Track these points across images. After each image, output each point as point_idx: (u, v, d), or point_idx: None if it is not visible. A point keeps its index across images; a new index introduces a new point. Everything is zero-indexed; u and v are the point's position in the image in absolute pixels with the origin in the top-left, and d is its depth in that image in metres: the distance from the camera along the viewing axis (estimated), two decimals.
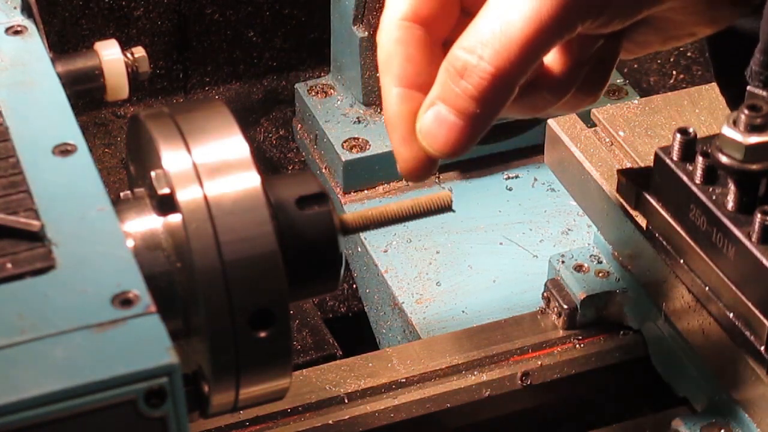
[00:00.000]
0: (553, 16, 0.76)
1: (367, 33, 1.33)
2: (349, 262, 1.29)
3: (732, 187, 0.84)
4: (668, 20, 0.83)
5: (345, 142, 1.32)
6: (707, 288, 0.89)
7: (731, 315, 0.87)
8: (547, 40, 0.77)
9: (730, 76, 0.88)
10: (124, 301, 0.66)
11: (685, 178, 0.88)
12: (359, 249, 1.27)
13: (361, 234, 1.24)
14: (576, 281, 1.05)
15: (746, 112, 0.80)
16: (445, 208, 0.82)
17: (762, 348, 0.85)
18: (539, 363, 1.05)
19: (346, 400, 1.02)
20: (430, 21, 0.80)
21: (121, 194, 0.77)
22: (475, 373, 1.05)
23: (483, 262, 1.23)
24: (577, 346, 1.06)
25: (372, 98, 1.36)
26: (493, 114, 0.79)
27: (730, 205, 0.85)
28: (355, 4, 1.32)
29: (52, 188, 0.73)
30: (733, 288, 0.86)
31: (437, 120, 0.78)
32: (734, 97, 0.89)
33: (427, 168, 0.81)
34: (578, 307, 1.05)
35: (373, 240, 1.25)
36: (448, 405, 1.04)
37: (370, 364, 1.05)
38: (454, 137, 0.78)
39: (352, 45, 1.35)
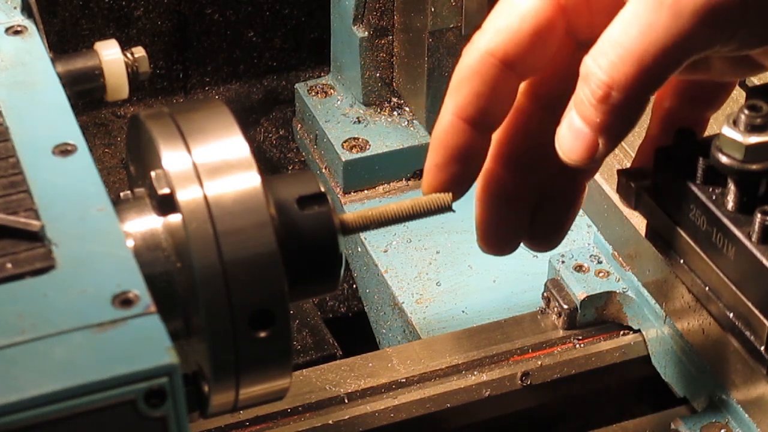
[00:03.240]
0: (673, 32, 0.74)
1: (367, 33, 1.33)
2: (349, 262, 1.29)
3: (732, 187, 0.84)
4: None
5: (345, 142, 1.32)
6: (707, 288, 0.89)
7: (731, 315, 0.87)
8: (667, 57, 0.75)
9: None
10: (124, 301, 0.66)
11: (685, 179, 0.88)
12: (359, 249, 1.27)
13: (361, 234, 1.24)
14: (576, 281, 1.05)
15: (746, 112, 0.80)
16: (445, 208, 0.82)
17: (762, 348, 0.85)
18: (539, 363, 1.05)
19: (346, 400, 1.02)
20: (518, 63, 0.78)
21: (121, 194, 0.77)
22: (475, 373, 1.05)
23: (483, 262, 1.23)
24: (577, 346, 1.07)
25: (372, 98, 1.36)
26: (624, 127, 0.78)
27: (730, 205, 0.85)
28: (355, 4, 1.32)
29: (52, 188, 0.73)
30: (733, 288, 0.86)
31: (571, 129, 0.78)
32: None
33: (454, 194, 0.81)
34: (578, 307, 1.05)
35: (373, 240, 1.25)
36: (448, 405, 1.04)
37: (370, 364, 1.05)
38: (582, 146, 0.78)
39: (352, 45, 1.35)
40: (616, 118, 0.77)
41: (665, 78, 0.76)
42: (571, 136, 0.78)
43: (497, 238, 0.84)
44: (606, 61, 0.75)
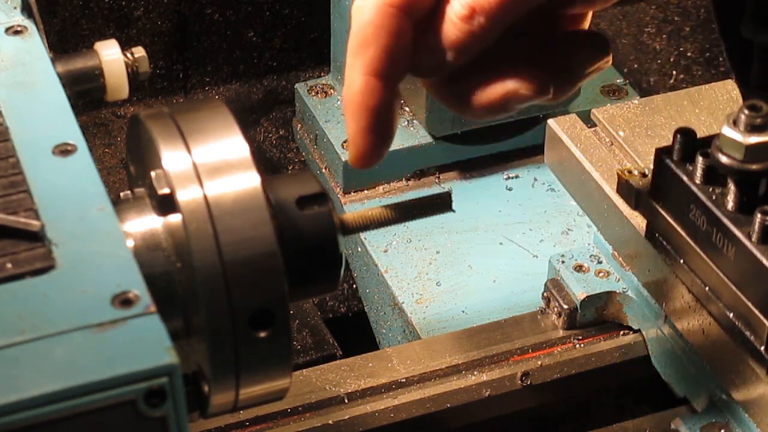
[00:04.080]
0: None
1: None
2: (349, 262, 1.29)
3: (732, 187, 0.84)
4: None
5: (345, 142, 1.31)
6: (707, 288, 0.89)
7: (731, 315, 0.87)
8: None
9: (733, 33, 0.86)
10: (124, 301, 0.66)
11: (685, 178, 0.88)
12: (359, 249, 1.27)
13: (361, 234, 1.24)
14: (576, 281, 1.05)
15: (746, 112, 0.80)
16: (445, 208, 0.82)
17: (762, 348, 0.85)
18: (539, 363, 1.05)
19: (346, 400, 1.02)
20: (412, 7, 0.78)
21: (121, 194, 0.77)
22: (475, 373, 1.05)
23: (483, 262, 1.23)
24: (577, 346, 1.07)
25: None
26: (472, 45, 0.77)
27: (730, 205, 0.85)
28: None
29: (52, 188, 0.73)
30: (733, 288, 0.86)
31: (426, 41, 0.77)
32: (737, 55, 0.87)
33: (379, 157, 0.80)
34: (578, 307, 1.05)
35: (373, 240, 1.25)
36: (448, 405, 1.04)
37: (370, 364, 1.05)
38: (432, 58, 0.77)
39: None
40: (472, 38, 0.77)
41: (529, 7, 0.76)
42: (427, 49, 0.77)
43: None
44: None
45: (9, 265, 0.68)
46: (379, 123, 0.78)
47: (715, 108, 1.04)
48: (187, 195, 0.71)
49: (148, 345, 0.65)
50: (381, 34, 0.77)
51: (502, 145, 1.34)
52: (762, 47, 0.83)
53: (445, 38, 0.76)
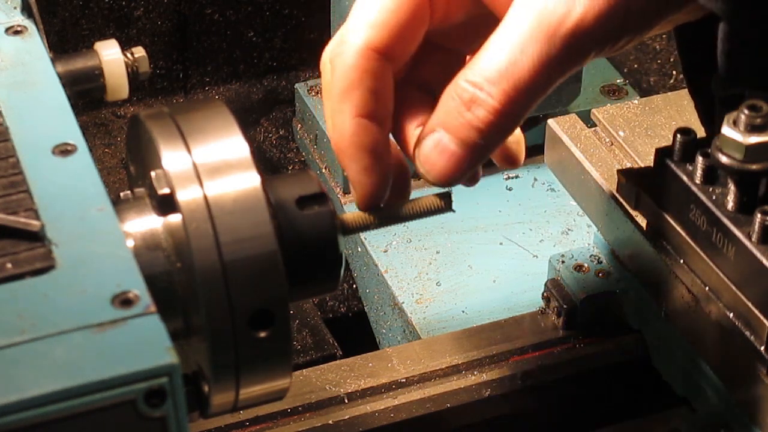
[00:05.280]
0: (562, 56, 0.76)
1: None
2: (349, 262, 1.29)
3: (732, 187, 0.84)
4: None
5: None
6: (707, 288, 0.89)
7: (731, 315, 0.87)
8: (557, 76, 0.77)
9: (701, 84, 0.88)
10: (124, 301, 0.66)
11: (685, 178, 0.88)
12: (359, 249, 1.27)
13: (361, 234, 1.24)
14: (576, 281, 1.05)
15: (746, 112, 0.80)
16: (445, 208, 0.82)
17: (762, 348, 0.85)
18: (539, 363, 1.05)
19: (346, 400, 1.02)
20: (392, 52, 0.79)
21: (121, 194, 0.77)
22: (475, 373, 1.05)
23: (483, 262, 1.23)
24: (577, 346, 1.06)
25: None
26: (493, 146, 0.80)
27: (730, 205, 0.85)
28: None
29: (52, 188, 0.73)
30: (733, 288, 0.86)
31: (438, 147, 0.78)
32: (704, 104, 0.89)
33: (384, 195, 0.81)
34: (578, 307, 1.05)
35: (373, 240, 1.25)
36: (448, 405, 1.04)
37: (370, 364, 1.05)
38: (453, 166, 0.79)
39: None
40: (500, 138, 0.79)
41: (545, 92, 0.78)
42: (443, 156, 0.78)
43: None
44: (497, 90, 0.76)
45: (9, 265, 0.68)
46: (379, 161, 0.80)
47: None
48: (187, 195, 0.71)
49: (148, 345, 0.65)
50: (366, 77, 0.79)
51: None
52: (724, 102, 0.84)
53: (461, 139, 0.78)
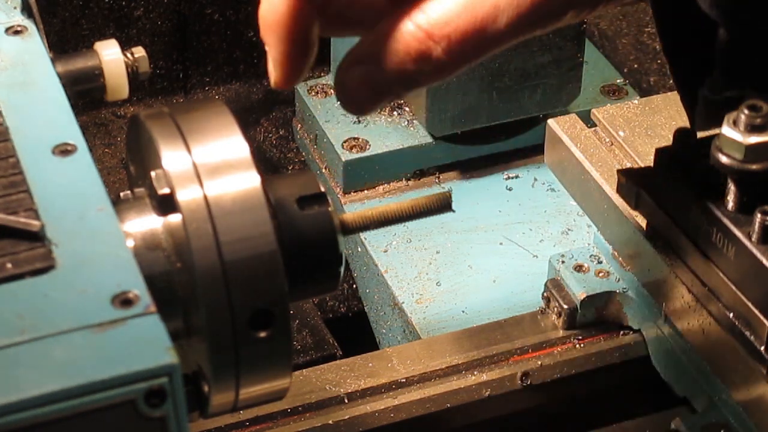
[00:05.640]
0: (532, 16, 0.74)
1: None
2: (349, 262, 1.29)
3: (732, 187, 0.84)
4: None
5: (345, 142, 1.32)
6: (707, 288, 0.89)
7: (731, 315, 0.87)
8: (523, 37, 0.75)
9: (690, 88, 0.87)
10: (124, 301, 0.66)
11: (685, 179, 0.88)
12: (359, 249, 1.27)
13: (361, 234, 1.24)
14: (576, 281, 1.05)
15: (746, 112, 0.80)
16: (445, 208, 0.82)
17: (762, 348, 0.85)
18: (539, 363, 1.05)
19: (346, 400, 1.02)
20: None
21: (121, 194, 0.77)
22: (475, 373, 1.05)
23: (483, 262, 1.23)
24: (577, 346, 1.07)
25: None
26: (427, 80, 0.77)
27: (730, 205, 0.85)
28: None
29: (52, 188, 0.73)
30: (733, 288, 0.86)
31: (367, 82, 0.76)
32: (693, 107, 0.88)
33: (302, 76, 0.78)
34: (578, 307, 1.05)
35: (373, 240, 1.25)
36: (448, 405, 1.04)
37: (370, 364, 1.05)
38: (374, 102, 0.77)
39: (352, 45, 1.35)
40: (431, 83, 0.76)
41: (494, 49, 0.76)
42: (367, 90, 0.76)
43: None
44: (457, 49, 0.74)
45: (9, 265, 0.68)
46: (306, 45, 0.76)
47: None
48: (187, 195, 0.71)
49: (148, 345, 0.65)
50: None
51: (502, 145, 1.34)
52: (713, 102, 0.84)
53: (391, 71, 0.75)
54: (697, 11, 0.78)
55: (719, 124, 0.82)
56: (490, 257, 1.23)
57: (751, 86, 0.81)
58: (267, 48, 0.76)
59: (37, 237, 0.70)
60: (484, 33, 0.74)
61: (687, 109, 0.88)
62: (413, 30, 0.74)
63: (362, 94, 0.77)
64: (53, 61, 0.85)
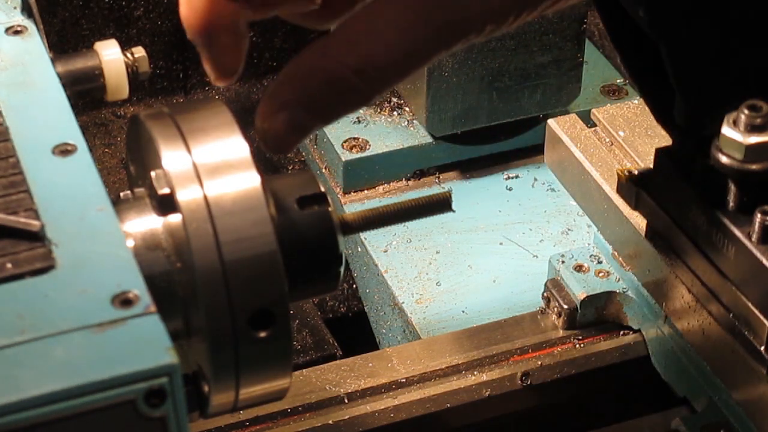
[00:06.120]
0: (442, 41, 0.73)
1: None
2: (349, 262, 1.29)
3: (732, 187, 0.84)
4: None
5: (345, 142, 1.31)
6: (707, 288, 0.89)
7: (731, 315, 0.87)
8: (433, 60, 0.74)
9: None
10: (124, 301, 0.66)
11: (685, 178, 0.88)
12: (359, 249, 1.27)
13: (361, 234, 1.24)
14: (576, 281, 1.05)
15: (746, 112, 0.80)
16: (445, 208, 0.82)
17: (762, 348, 0.85)
18: (539, 363, 1.05)
19: (346, 400, 1.02)
20: None
21: (121, 194, 0.77)
22: (475, 373, 1.05)
23: (483, 262, 1.23)
24: (577, 346, 1.07)
25: None
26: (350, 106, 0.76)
27: (730, 205, 0.85)
28: None
29: (52, 188, 0.73)
30: (733, 288, 0.86)
31: (292, 125, 0.74)
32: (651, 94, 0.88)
33: (239, 69, 0.77)
34: (578, 307, 1.05)
35: (373, 240, 1.25)
36: (448, 405, 1.04)
37: (370, 364, 1.05)
38: (299, 139, 0.75)
39: None
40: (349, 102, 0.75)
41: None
42: (295, 132, 0.74)
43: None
44: (375, 78, 0.73)
45: (9, 265, 0.68)
46: (235, 38, 0.75)
47: None
48: (187, 195, 0.71)
49: (148, 345, 0.65)
50: None
51: (502, 145, 1.34)
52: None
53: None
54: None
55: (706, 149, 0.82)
56: (490, 257, 1.23)
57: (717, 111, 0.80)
58: (197, 48, 0.75)
59: (37, 237, 0.70)
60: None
61: (664, 128, 0.89)
62: (339, 70, 0.73)
63: (291, 139, 0.75)
64: (53, 61, 0.85)
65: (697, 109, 0.82)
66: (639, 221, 0.97)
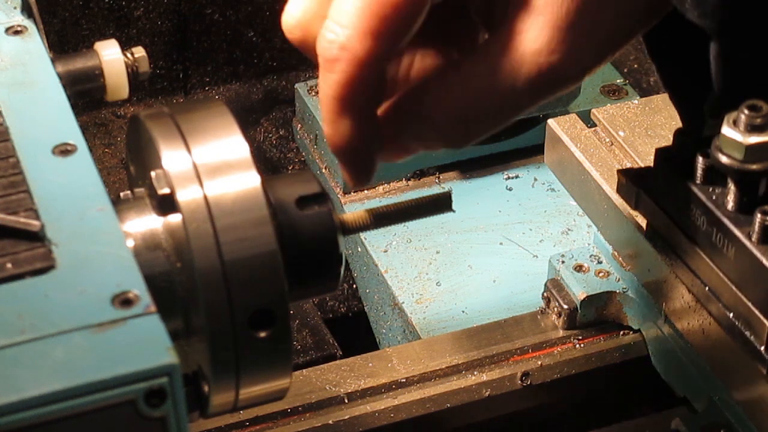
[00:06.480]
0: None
1: None
2: (349, 262, 1.29)
3: (732, 187, 0.84)
4: None
5: None
6: (707, 288, 0.89)
7: (731, 315, 0.87)
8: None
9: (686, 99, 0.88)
10: (124, 301, 0.66)
11: (685, 179, 0.88)
12: (359, 249, 1.27)
13: (361, 234, 1.24)
14: (576, 281, 1.05)
15: (746, 112, 0.80)
16: (445, 208, 0.82)
17: (762, 348, 0.85)
18: (539, 363, 1.05)
19: (346, 400, 1.02)
20: (395, 50, 0.75)
21: (121, 194, 0.77)
22: (475, 373, 1.05)
23: (483, 262, 1.23)
24: (577, 346, 1.07)
25: None
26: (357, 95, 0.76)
27: (730, 205, 0.85)
28: None
29: (52, 188, 0.73)
30: (733, 288, 0.86)
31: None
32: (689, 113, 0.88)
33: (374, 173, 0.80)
34: (578, 307, 1.05)
35: (373, 240, 1.25)
36: (448, 405, 1.04)
37: (370, 364, 1.05)
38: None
39: None
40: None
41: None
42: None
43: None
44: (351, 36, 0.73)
45: (9, 265, 0.68)
46: (371, 165, 0.78)
47: None
48: (187, 195, 0.71)
49: (148, 345, 0.65)
50: (367, 87, 0.75)
51: (502, 145, 1.34)
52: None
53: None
54: (683, 21, 0.78)
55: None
56: (490, 257, 1.23)
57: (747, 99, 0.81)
58: (339, 162, 0.78)
59: (37, 237, 0.70)
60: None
61: (683, 119, 0.89)
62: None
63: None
64: (53, 61, 0.85)
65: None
66: (639, 221, 0.97)
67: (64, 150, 0.76)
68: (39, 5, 0.90)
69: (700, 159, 0.86)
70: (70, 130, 0.78)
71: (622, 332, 1.07)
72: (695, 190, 0.87)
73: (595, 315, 1.06)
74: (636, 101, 1.08)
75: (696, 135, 0.86)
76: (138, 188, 0.77)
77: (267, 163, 1.49)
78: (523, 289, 1.18)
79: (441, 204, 0.82)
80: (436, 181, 1.32)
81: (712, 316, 0.90)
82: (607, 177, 1.02)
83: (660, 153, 0.91)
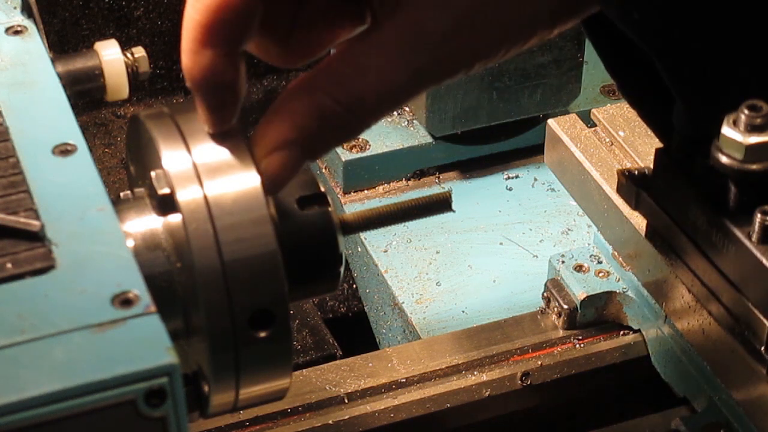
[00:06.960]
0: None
1: None
2: (349, 262, 1.29)
3: (732, 187, 0.84)
4: None
5: None
6: (707, 288, 0.89)
7: (731, 315, 0.87)
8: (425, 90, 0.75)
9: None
10: (124, 301, 0.66)
11: (685, 178, 0.88)
12: (359, 249, 1.27)
13: (361, 234, 1.24)
14: (576, 281, 1.05)
15: (746, 112, 0.80)
16: (445, 207, 0.82)
17: (762, 348, 0.85)
18: (539, 363, 1.05)
19: (346, 400, 1.02)
20: None
21: (121, 194, 0.77)
22: (475, 373, 1.05)
23: (483, 262, 1.23)
24: (577, 346, 1.07)
25: None
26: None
27: (730, 205, 0.85)
28: None
29: (52, 188, 0.73)
30: (733, 288, 0.86)
31: (290, 164, 0.74)
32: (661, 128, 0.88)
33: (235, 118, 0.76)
34: (578, 307, 1.05)
35: (373, 240, 1.25)
36: (448, 405, 1.04)
37: (370, 364, 1.05)
38: (293, 175, 0.75)
39: None
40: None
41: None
42: (292, 169, 0.74)
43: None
44: (363, 112, 0.73)
45: (9, 265, 0.68)
46: (237, 93, 0.75)
47: None
48: (187, 195, 0.71)
49: (148, 345, 0.65)
50: (234, 13, 0.72)
51: (502, 145, 1.34)
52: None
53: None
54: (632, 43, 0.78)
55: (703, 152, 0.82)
56: (490, 257, 1.23)
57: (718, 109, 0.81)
58: (196, 98, 0.75)
59: (37, 237, 0.70)
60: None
61: (657, 135, 0.89)
62: (334, 107, 0.74)
63: (287, 176, 0.74)
64: (53, 61, 0.85)
65: (698, 114, 0.82)
66: (639, 221, 0.97)
67: (64, 150, 0.76)
68: (39, 5, 0.90)
69: (700, 159, 0.86)
70: (70, 130, 0.78)
71: (622, 332, 1.07)
72: (695, 190, 0.87)
73: (595, 315, 1.06)
74: None
75: (694, 137, 0.86)
76: (138, 188, 0.77)
77: None
78: (523, 289, 1.18)
79: (441, 204, 0.82)
80: (436, 181, 1.32)
81: (712, 316, 0.90)
82: (607, 177, 1.02)
83: (660, 153, 0.91)
